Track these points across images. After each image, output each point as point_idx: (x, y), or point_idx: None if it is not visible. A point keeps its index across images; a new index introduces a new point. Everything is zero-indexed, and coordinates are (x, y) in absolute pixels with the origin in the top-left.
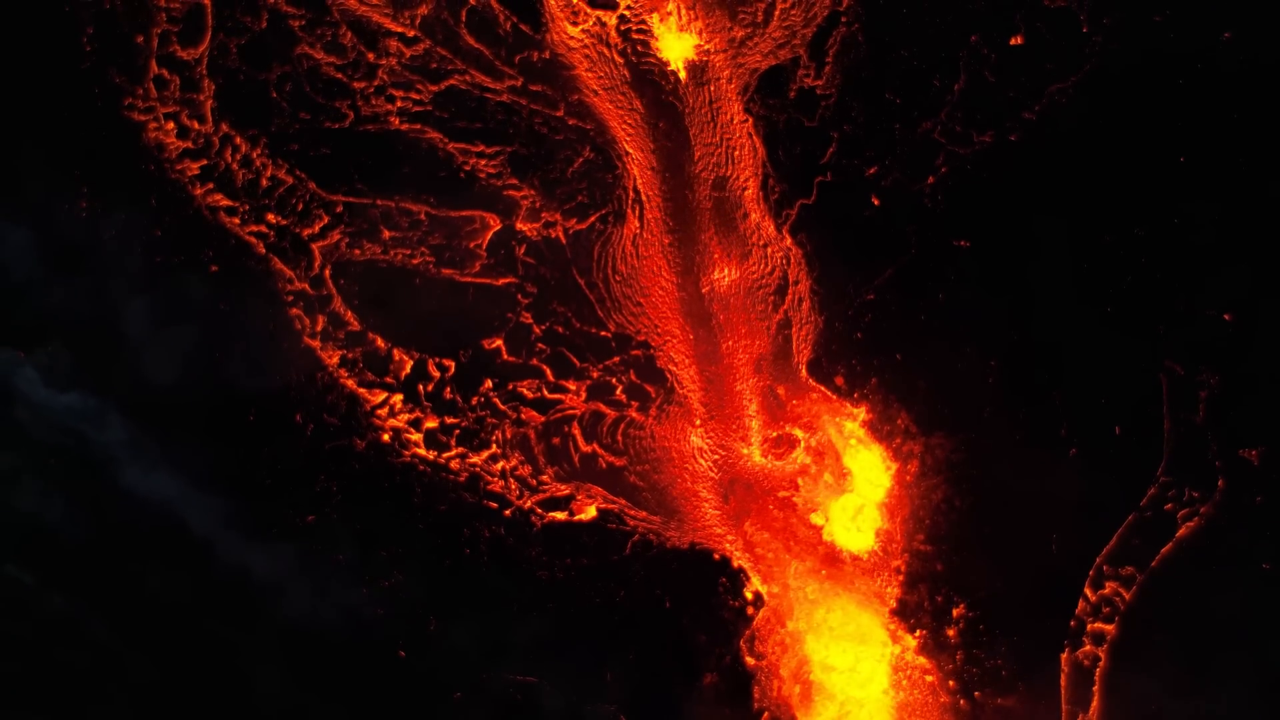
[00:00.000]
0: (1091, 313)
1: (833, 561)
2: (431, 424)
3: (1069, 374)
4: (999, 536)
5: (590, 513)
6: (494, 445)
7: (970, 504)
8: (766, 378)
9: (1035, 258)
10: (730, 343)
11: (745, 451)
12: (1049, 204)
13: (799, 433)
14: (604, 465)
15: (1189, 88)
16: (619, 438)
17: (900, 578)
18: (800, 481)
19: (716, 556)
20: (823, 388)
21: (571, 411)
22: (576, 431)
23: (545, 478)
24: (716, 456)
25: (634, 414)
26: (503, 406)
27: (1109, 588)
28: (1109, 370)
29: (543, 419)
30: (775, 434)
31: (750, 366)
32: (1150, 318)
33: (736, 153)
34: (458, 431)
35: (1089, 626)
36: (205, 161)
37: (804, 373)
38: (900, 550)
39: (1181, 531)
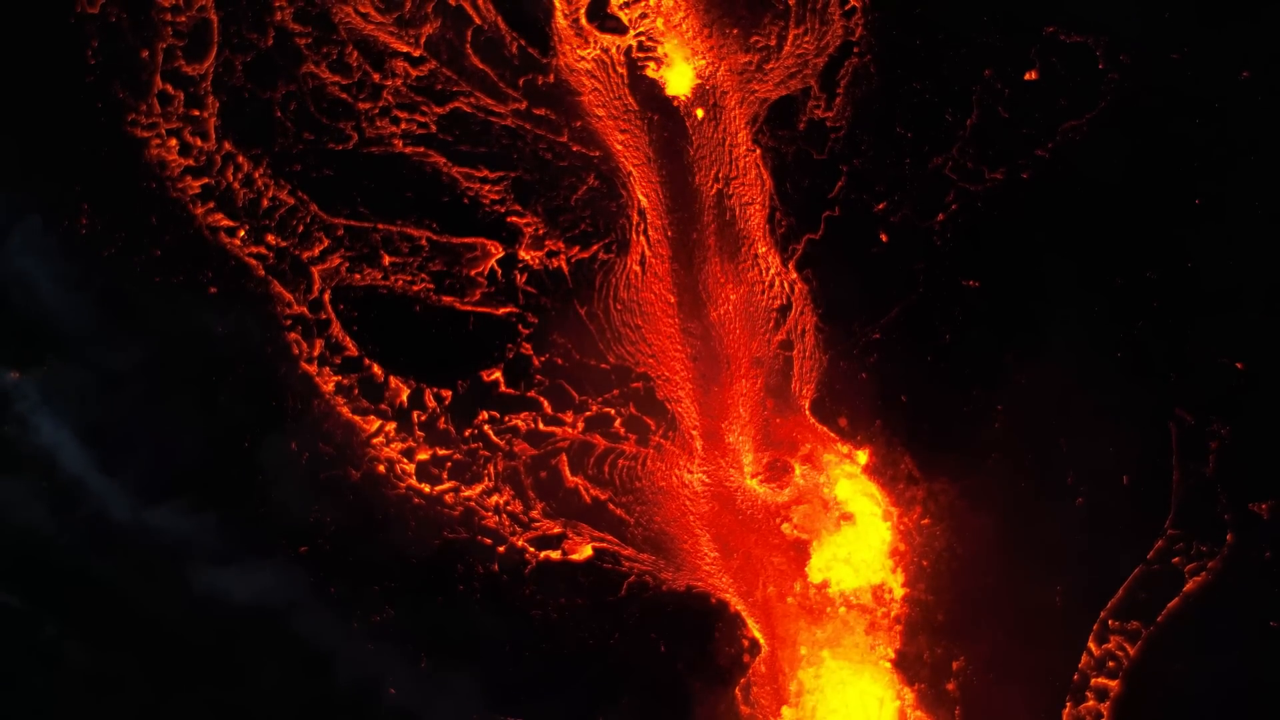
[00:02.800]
0: (1101, 358)
1: (831, 609)
2: (424, 456)
3: (1077, 421)
4: (1001, 587)
5: (586, 552)
6: (486, 479)
7: (973, 553)
8: (763, 394)
9: (1045, 299)
10: (728, 354)
11: (740, 479)
12: (1060, 244)
13: (797, 466)
14: (601, 502)
15: (1206, 128)
16: (610, 472)
17: (900, 628)
18: (799, 522)
19: (713, 600)
20: (825, 428)
21: (563, 445)
22: (570, 466)
23: (535, 514)
24: (713, 488)
25: (631, 447)
26: (496, 439)
27: (1113, 642)
28: (1118, 418)
29: (535, 452)
30: (769, 459)
31: (749, 385)
32: (1161, 364)
33: (744, 176)
34: (449, 464)
35: (1092, 681)
36: (207, 180)
37: (807, 412)
38: (901, 600)
39: (1189, 586)
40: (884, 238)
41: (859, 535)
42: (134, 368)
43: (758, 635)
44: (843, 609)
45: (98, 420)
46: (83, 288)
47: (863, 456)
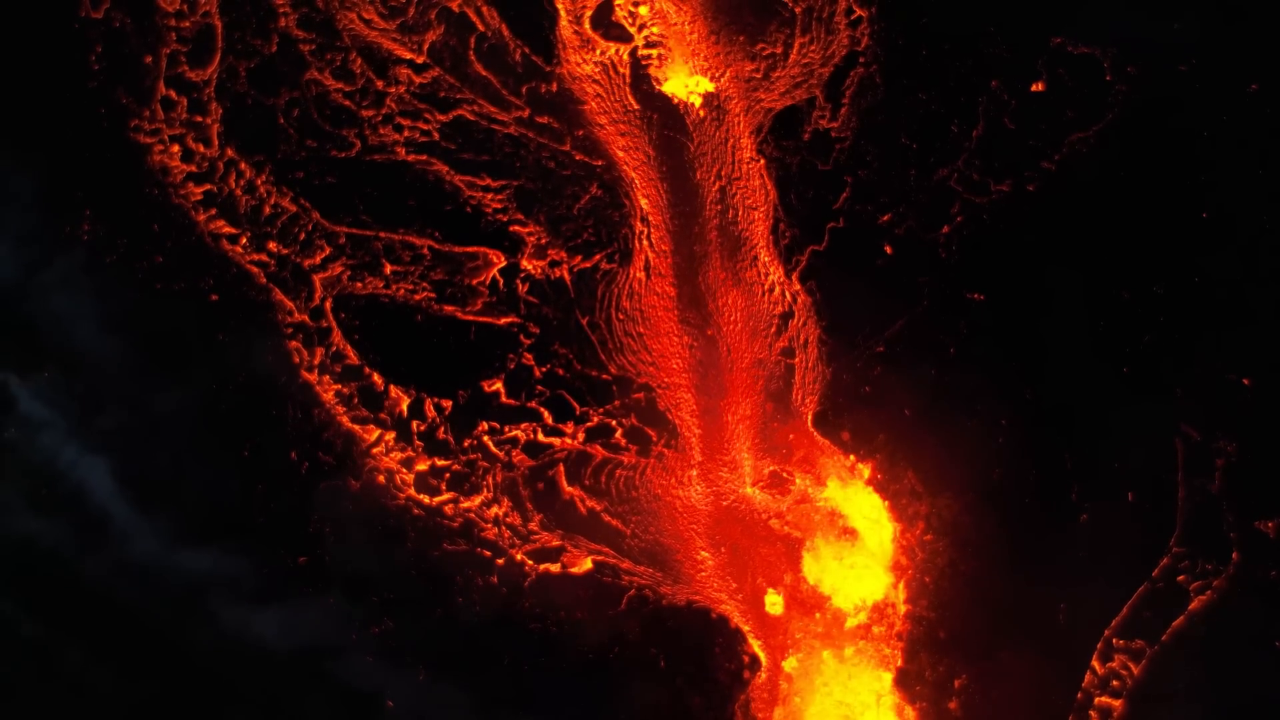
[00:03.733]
0: (1107, 372)
1: (833, 625)
2: (423, 466)
3: (1081, 436)
4: (1004, 604)
5: (585, 565)
6: (485, 490)
7: (976, 569)
8: (763, 395)
9: (1050, 313)
10: (729, 343)
11: (739, 487)
12: (1066, 257)
13: (799, 478)
14: (601, 516)
15: (1214, 140)
16: (607, 481)
17: (901, 645)
18: (792, 520)
19: (714, 615)
20: (828, 441)
21: (563, 455)
22: (569, 477)
23: (534, 526)
24: (711, 497)
25: (631, 458)
26: (495, 450)
27: (1117, 661)
28: (1123, 433)
29: (533, 463)
30: (770, 470)
31: (748, 378)
32: (1167, 379)
33: (747, 183)
34: (448, 475)
35: (1096, 700)
36: (209, 186)
37: (810, 425)
38: (903, 616)
39: (1194, 604)
40: (888, 250)
41: (860, 550)
42: (136, 378)
43: (758, 651)
44: (834, 609)
45: (100, 431)
46: (90, 299)
47: (865, 470)
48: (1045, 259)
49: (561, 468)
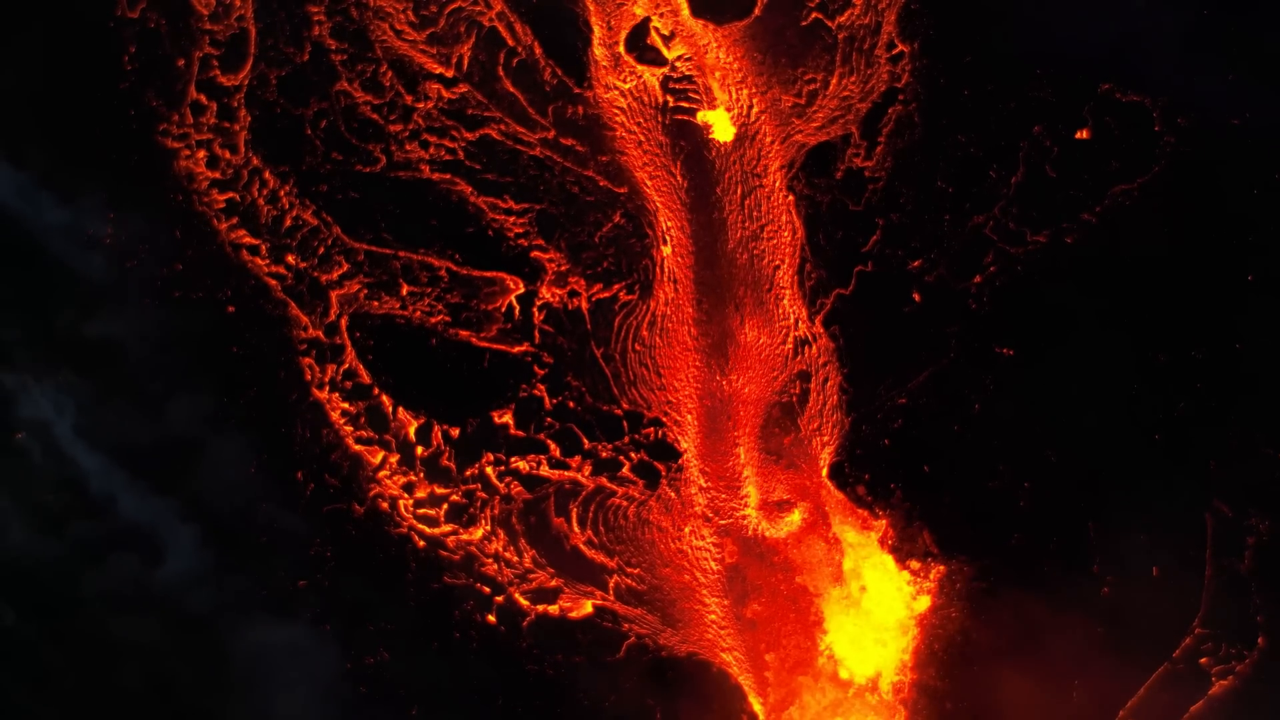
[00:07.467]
0: (1137, 439)
1: (837, 690)
2: (421, 494)
3: (1107, 505)
4: (1016, 678)
5: (585, 609)
6: (483, 523)
7: (988, 639)
8: (773, 404)
9: (1082, 373)
10: (737, 298)
11: (746, 515)
12: (1102, 315)
13: (800, 508)
14: (600, 552)
15: (1264, 199)
16: (613, 518)
17: (906, 713)
18: (808, 590)
19: (714, 669)
20: (843, 495)
21: (566, 489)
22: (572, 514)
23: (529, 564)
24: (721, 537)
25: (637, 494)
26: (496, 482)
27: None
28: (1151, 504)
29: (529, 496)
30: (777, 499)
31: (758, 420)
32: (1201, 450)
33: (772, 224)
34: (446, 505)
35: None
36: (233, 195)
37: (825, 477)
38: (909, 685)
39: (1215, 689)
40: (917, 297)
41: (868, 612)
42: (148, 386)
43: (757, 709)
44: (839, 674)
45: (106, 436)
46: (108, 303)
47: (879, 527)
48: (1079, 315)
49: (568, 503)
